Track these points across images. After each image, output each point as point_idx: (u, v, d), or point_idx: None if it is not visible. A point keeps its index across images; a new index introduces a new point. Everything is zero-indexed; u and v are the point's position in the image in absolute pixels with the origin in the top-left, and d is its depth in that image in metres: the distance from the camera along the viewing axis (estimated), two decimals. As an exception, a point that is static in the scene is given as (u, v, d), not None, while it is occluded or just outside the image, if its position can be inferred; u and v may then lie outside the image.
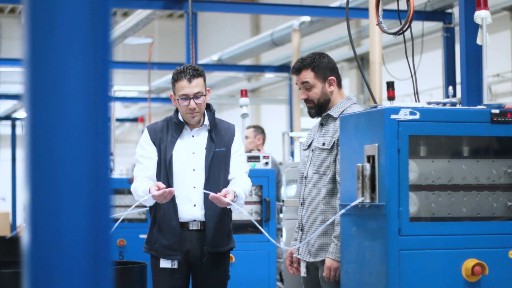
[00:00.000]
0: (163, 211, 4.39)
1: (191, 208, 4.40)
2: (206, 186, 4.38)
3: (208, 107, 4.56)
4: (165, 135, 4.47)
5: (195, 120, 4.46)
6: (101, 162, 1.53)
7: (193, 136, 4.49)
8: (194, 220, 4.40)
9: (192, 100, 4.40)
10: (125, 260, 6.89)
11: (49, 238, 1.50)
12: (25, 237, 1.51)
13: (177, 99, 4.43)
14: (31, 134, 1.51)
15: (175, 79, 4.46)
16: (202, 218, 4.40)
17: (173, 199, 4.36)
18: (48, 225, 1.50)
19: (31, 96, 1.51)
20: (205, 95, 4.45)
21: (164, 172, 4.41)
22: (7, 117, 19.40)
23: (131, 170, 20.79)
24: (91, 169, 1.52)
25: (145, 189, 4.29)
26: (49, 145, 1.50)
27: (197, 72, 4.45)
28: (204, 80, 4.50)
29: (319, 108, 4.36)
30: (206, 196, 4.35)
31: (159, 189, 4.20)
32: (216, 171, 4.42)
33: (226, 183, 4.45)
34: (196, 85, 4.41)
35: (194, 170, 4.42)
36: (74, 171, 1.51)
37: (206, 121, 4.50)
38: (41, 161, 1.50)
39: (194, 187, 4.40)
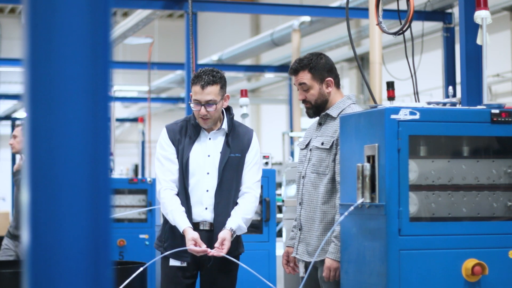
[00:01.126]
0: None
1: (202, 211, 4.40)
2: (218, 191, 4.39)
3: (228, 110, 4.52)
4: (183, 136, 4.44)
5: (206, 126, 4.42)
6: (101, 162, 1.53)
7: (209, 138, 4.46)
8: (205, 221, 4.40)
9: (203, 107, 4.35)
10: (125, 260, 6.90)
11: (49, 238, 1.49)
12: (25, 237, 1.51)
13: (191, 102, 4.41)
14: (31, 134, 1.51)
15: (192, 82, 4.40)
16: (212, 220, 4.40)
17: (188, 201, 4.39)
18: (48, 225, 1.49)
19: (31, 96, 1.51)
20: (217, 104, 4.36)
21: (181, 174, 4.40)
22: (7, 117, 19.41)
23: (131, 170, 20.79)
24: (91, 169, 1.52)
25: (177, 221, 4.31)
26: (49, 145, 1.50)
27: (213, 79, 4.36)
28: (222, 87, 4.40)
29: (316, 109, 4.35)
30: (217, 200, 4.37)
31: (196, 244, 4.23)
32: (229, 177, 4.41)
33: (238, 189, 4.45)
34: (208, 92, 4.34)
35: (208, 173, 4.41)
36: (74, 171, 1.51)
37: (224, 125, 4.46)
38: (41, 161, 1.50)
39: (207, 191, 4.40)
